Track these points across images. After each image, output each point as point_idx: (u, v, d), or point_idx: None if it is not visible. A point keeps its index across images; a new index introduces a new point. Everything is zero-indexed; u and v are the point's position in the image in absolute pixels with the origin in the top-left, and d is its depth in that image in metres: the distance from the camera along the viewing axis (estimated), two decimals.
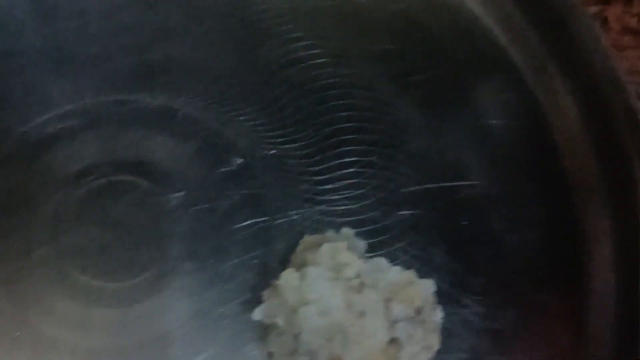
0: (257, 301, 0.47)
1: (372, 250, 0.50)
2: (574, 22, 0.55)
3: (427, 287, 0.46)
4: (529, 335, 0.49)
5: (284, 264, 0.49)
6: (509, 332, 0.49)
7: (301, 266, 0.46)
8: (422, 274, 0.49)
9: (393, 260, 0.49)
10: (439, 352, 0.47)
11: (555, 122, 0.55)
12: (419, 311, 0.46)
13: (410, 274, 0.46)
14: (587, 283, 0.51)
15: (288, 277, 0.45)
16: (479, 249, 0.52)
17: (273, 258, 0.50)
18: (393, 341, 0.45)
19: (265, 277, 0.48)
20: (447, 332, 0.48)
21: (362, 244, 0.49)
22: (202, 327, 0.48)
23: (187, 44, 0.56)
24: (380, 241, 0.51)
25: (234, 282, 0.49)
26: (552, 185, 0.54)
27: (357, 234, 0.50)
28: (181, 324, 0.48)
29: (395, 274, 0.46)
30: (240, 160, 0.52)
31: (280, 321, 0.45)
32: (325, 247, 0.46)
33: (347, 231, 0.49)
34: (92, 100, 0.53)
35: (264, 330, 0.47)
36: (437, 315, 0.47)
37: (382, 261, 0.47)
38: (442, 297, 0.49)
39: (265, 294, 0.47)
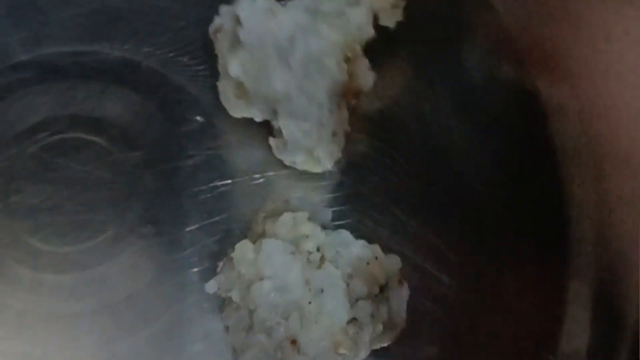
0: (216, 270, 0.44)
1: (341, 217, 0.47)
2: None
3: (393, 263, 0.44)
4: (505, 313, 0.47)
5: (247, 230, 0.46)
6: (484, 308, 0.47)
7: (261, 236, 0.44)
8: (393, 245, 0.46)
9: (363, 229, 0.47)
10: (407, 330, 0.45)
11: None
12: (382, 289, 0.43)
13: (375, 249, 0.43)
14: (569, 261, 0.48)
15: (242, 250, 0.42)
16: (459, 221, 0.48)
17: (236, 224, 0.47)
18: (353, 320, 0.42)
19: (226, 244, 0.45)
20: (416, 310, 0.46)
21: (327, 212, 0.46)
22: (158, 296, 0.46)
23: None
24: (350, 208, 0.48)
25: (194, 249, 0.47)
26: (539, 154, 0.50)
27: (325, 201, 0.47)
28: (136, 291, 0.46)
29: (358, 249, 0.43)
30: (203, 119, 0.49)
31: (235, 296, 0.43)
32: (285, 218, 0.43)
33: (312, 198, 0.46)
34: (48, 50, 0.49)
35: (222, 302, 0.45)
36: (403, 292, 0.44)
37: (345, 234, 0.44)
38: (414, 270, 0.46)
39: (221, 265, 0.44)
